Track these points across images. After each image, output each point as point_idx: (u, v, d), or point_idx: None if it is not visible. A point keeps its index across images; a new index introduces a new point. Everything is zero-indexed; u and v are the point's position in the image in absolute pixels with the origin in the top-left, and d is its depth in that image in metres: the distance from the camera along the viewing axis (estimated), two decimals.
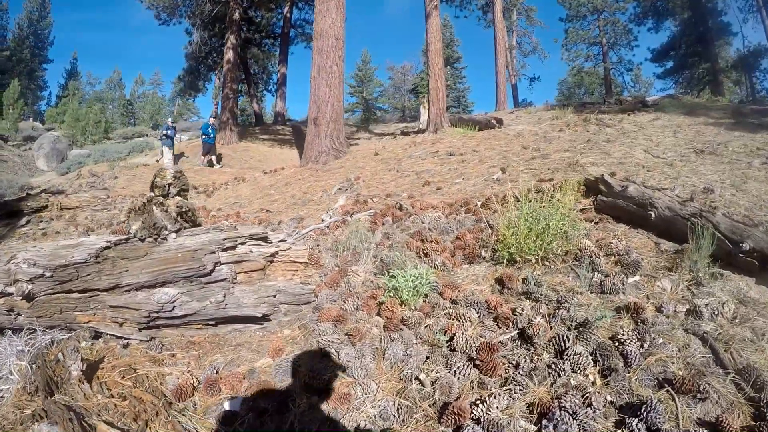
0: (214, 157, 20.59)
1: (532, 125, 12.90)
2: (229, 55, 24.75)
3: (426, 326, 3.14)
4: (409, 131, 24.08)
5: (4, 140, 39.24)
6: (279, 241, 4.06)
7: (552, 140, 9.53)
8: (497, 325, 3.08)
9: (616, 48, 47.21)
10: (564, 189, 5.50)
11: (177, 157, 21.54)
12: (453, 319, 3.14)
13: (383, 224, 5.37)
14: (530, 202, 4.12)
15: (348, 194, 7.77)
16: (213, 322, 3.64)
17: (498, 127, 16.46)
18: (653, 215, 4.13)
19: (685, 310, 3.01)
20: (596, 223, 4.58)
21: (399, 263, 3.89)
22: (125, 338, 3.37)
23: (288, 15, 34.04)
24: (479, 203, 5.45)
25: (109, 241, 3.52)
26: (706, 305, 2.92)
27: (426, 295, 3.50)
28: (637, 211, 4.35)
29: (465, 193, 6.41)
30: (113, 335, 3.38)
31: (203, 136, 20.56)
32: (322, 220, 6.07)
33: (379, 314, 3.41)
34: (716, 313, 2.89)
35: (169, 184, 6.25)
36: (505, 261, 3.90)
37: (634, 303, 2.99)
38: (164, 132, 20.44)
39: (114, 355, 3.20)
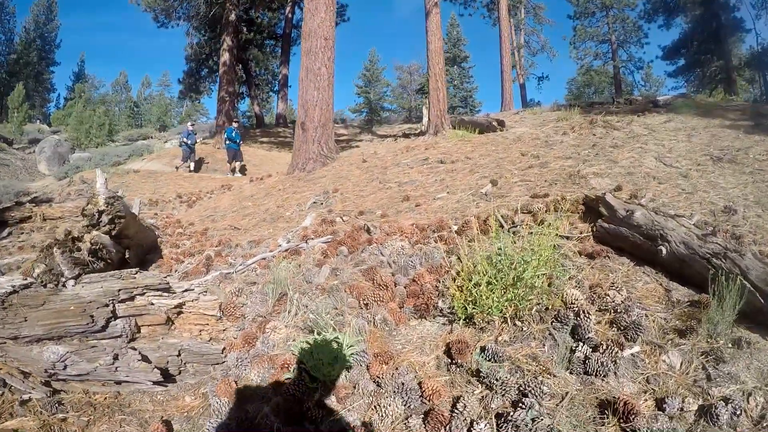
0: (238, 164, 19.32)
1: (535, 128, 12.06)
2: (225, 57, 24.13)
3: (334, 419, 2.36)
4: (411, 133, 23.28)
5: (8, 143, 39.08)
6: (184, 291, 3.31)
7: (554, 145, 8.71)
8: (426, 427, 2.26)
9: (625, 46, 45.89)
10: (559, 208, 4.74)
11: (198, 164, 20.55)
12: (372, 411, 2.36)
13: (337, 255, 4.61)
14: (511, 229, 3.30)
15: (321, 209, 7.04)
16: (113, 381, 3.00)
17: (499, 129, 15.62)
18: (664, 251, 3.30)
19: (696, 407, 2.17)
20: (593, 257, 3.74)
21: (324, 322, 3.09)
22: (27, 392, 2.92)
23: (290, 15, 33.43)
24: (455, 228, 4.66)
25: (14, 286, 3.01)
26: (726, 401, 2.10)
27: (349, 368, 2.70)
28: (644, 244, 3.52)
29: (445, 212, 5.61)
30: (17, 388, 2.93)
31: (227, 142, 19.26)
32: (279, 245, 5.32)
33: None
34: (738, 412, 2.07)
35: (101, 212, 5.48)
36: (461, 319, 3.04)
37: (625, 403, 2.12)
38: (183, 139, 19.65)
39: (10, 412, 2.79)
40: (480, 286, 2.93)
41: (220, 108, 24.40)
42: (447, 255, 3.96)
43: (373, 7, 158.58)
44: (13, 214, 14.75)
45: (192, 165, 19.80)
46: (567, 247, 3.79)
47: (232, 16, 24.16)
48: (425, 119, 22.20)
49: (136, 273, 3.24)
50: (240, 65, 33.69)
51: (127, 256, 5.47)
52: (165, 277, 3.32)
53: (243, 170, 19.52)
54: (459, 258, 3.58)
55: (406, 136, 23.17)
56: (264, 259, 5.03)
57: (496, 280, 2.94)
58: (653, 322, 2.85)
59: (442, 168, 7.88)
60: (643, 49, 46.38)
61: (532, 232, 3.33)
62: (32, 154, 36.63)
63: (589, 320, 2.76)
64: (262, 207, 8.78)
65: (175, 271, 5.58)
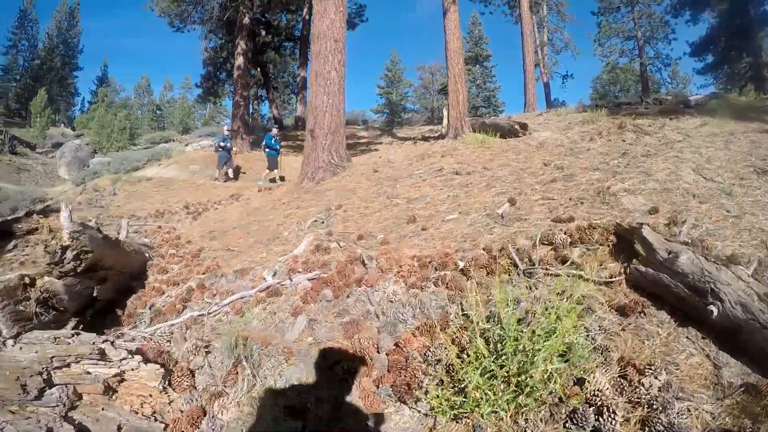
0: (276, 171, 18.09)
1: (560, 132, 11.35)
2: (240, 60, 23.74)
3: None
4: (431, 136, 22.68)
5: (31, 148, 39.59)
6: (122, 359, 2.77)
7: (580, 153, 8.02)
8: None
9: (652, 42, 44.31)
10: (586, 239, 4.09)
11: (236, 171, 19.82)
12: None
13: (318, 301, 4.05)
14: (527, 270, 2.67)
15: (320, 230, 6.49)
16: None
17: (522, 133, 14.89)
18: (715, 312, 2.61)
19: None
20: (625, 313, 3.02)
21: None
22: None
23: (307, 17, 32.96)
24: (462, 264, 4.00)
25: None
26: None
27: None
28: (690, 298, 2.84)
29: (453, 238, 5.00)
30: None
31: (266, 149, 18.09)
32: (263, 279, 4.78)
33: None
34: None
35: (65, 248, 4.97)
36: (449, 412, 2.37)
37: None
38: (219, 143, 18.65)
39: None
40: (471, 373, 2.29)
41: (235, 113, 24.02)
42: (448, 302, 3.35)
43: (394, 6, 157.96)
44: (20, 226, 14.62)
45: (231, 172, 18.86)
46: (593, 296, 3.15)
47: (246, 20, 23.76)
48: (445, 121, 21.61)
49: (72, 336, 2.72)
50: (258, 68, 33.41)
51: (95, 293, 4.94)
52: (103, 342, 2.77)
53: (282, 178, 18.32)
54: (462, 310, 2.97)
55: (425, 139, 22.57)
56: (242, 298, 4.53)
57: (495, 367, 2.30)
58: (697, 418, 2.20)
59: (457, 181, 7.25)
60: (670, 45, 44.99)
61: (550, 273, 2.68)
62: (54, 158, 37.03)
63: (614, 421, 2.11)
64: (264, 224, 8.27)
65: (150, 306, 5.10)
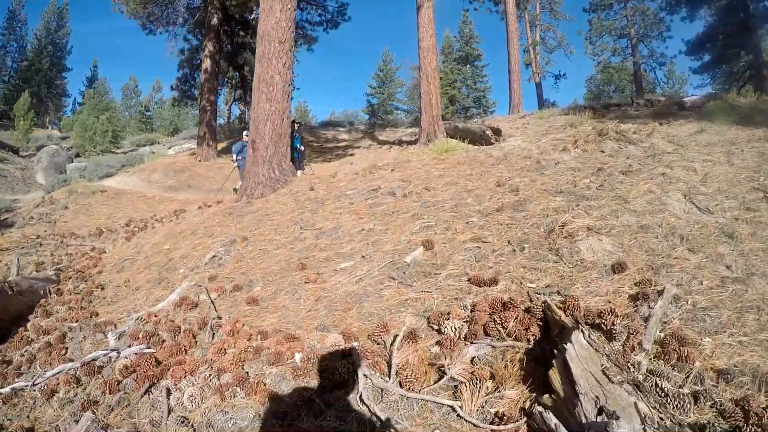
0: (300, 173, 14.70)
1: (533, 139, 9.97)
2: (207, 63, 22.29)
3: None
4: (409, 140, 21.39)
5: (15, 152, 38.30)
6: None
7: (546, 168, 6.65)
8: None
9: (646, 40, 42.51)
10: (498, 320, 2.75)
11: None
12: None
13: (118, 392, 3.11)
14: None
15: (207, 272, 5.32)
16: None
17: (494, 139, 13.57)
18: None
19: None
20: None
21: None
22: None
23: None
24: (299, 360, 2.72)
25: None
26: None
27: None
28: None
29: (325, 306, 3.73)
30: None
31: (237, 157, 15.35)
32: (109, 341, 3.57)
33: None
34: None
35: None
36: None
37: None
38: (236, 157, 15.49)
39: None
40: None
41: (201, 118, 22.62)
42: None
43: (388, 4, 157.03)
44: None
45: (299, 173, 14.83)
46: None
47: (214, 20, 22.31)
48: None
49: None
50: (236, 70, 32.09)
51: None
52: None
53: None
54: None
55: (401, 143, 21.27)
56: (59, 373, 3.53)
57: None
58: None
59: (385, 206, 5.87)
60: (665, 43, 42.77)
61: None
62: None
63: None
64: (172, 253, 6.95)
65: None
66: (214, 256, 5.74)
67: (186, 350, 3.46)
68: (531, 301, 3.11)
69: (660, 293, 2.93)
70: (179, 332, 3.81)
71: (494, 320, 2.79)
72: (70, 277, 7.53)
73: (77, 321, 5.18)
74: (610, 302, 3.05)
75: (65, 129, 50.63)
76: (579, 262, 3.61)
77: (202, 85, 23.01)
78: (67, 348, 4.47)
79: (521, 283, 3.41)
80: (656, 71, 45.66)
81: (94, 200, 16.64)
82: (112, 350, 3.68)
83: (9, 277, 7.09)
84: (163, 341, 3.75)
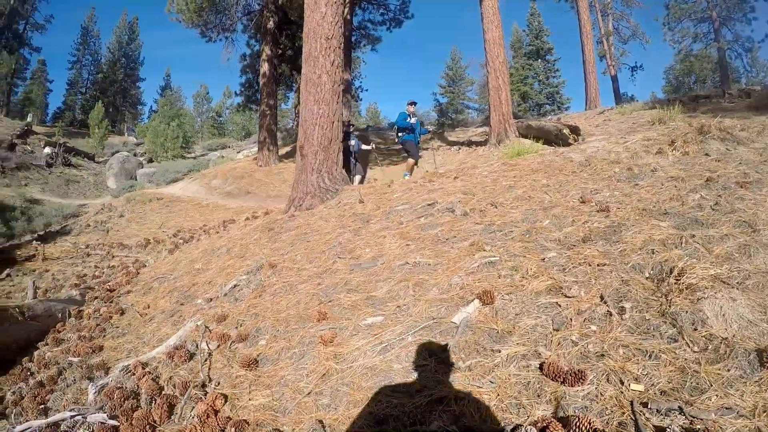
0: (411, 161, 13.17)
1: (618, 139, 8.65)
2: (265, 68, 22.06)
3: None
4: (479, 141, 20.30)
5: (90, 158, 40.21)
6: None
7: (641, 177, 5.46)
8: None
9: (729, 23, 39.00)
10: None
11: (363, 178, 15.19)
12: None
13: None
14: None
15: (222, 306, 4.55)
16: None
17: (572, 139, 12.31)
18: None
19: None
20: None
21: None
22: None
23: (348, 16, 31.12)
24: None
25: None
26: None
27: None
28: None
29: (331, 391, 2.73)
30: None
31: (401, 133, 12.97)
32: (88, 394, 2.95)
33: None
34: None
35: None
36: None
37: None
38: (353, 147, 13.50)
39: None
40: None
41: (262, 122, 22.42)
42: None
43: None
44: (20, 252, 13.67)
45: (357, 178, 13.77)
46: None
47: (270, 24, 22.03)
48: None
49: None
50: (298, 74, 31.94)
51: None
52: None
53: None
54: None
55: (470, 144, 20.23)
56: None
57: None
58: None
59: (439, 228, 4.87)
60: (750, 26, 39.03)
61: None
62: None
63: None
64: (202, 274, 6.30)
65: None
66: (235, 286, 5.01)
67: (154, 428, 2.72)
68: (637, 424, 2.02)
69: None
70: (157, 397, 3.07)
71: None
72: (96, 297, 7.17)
73: (79, 355, 4.78)
74: None
75: (140, 135, 53.13)
76: (707, 341, 2.44)
77: (261, 89, 22.85)
78: (53, 390, 4.06)
79: (621, 382, 2.28)
80: (742, 58, 41.88)
81: (149, 208, 16.66)
82: (79, 414, 3.04)
83: (26, 299, 6.77)
84: (136, 408, 3.05)
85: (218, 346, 3.78)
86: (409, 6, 32.88)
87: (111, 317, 6.00)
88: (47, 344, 5.63)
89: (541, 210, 4.87)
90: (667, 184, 5.07)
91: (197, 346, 3.84)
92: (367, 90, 55.97)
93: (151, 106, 74.30)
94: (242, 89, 31.48)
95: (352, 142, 13.63)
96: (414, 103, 13.08)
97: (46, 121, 60.13)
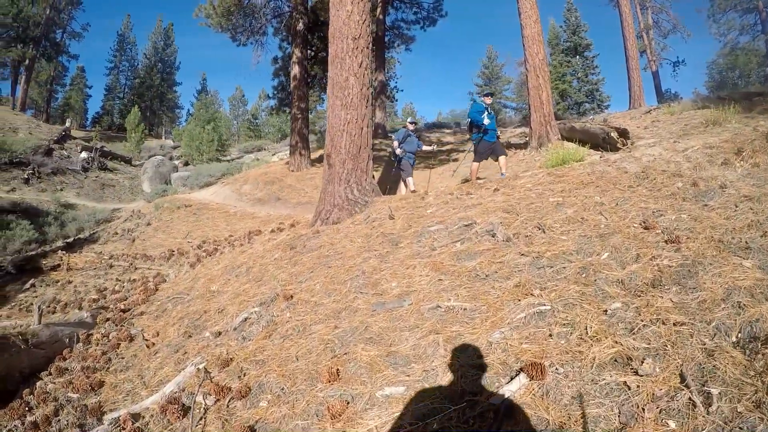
0: (503, 159, 10.67)
1: (673, 144, 7.79)
2: (295, 70, 21.56)
3: None
4: (518, 143, 19.41)
5: (127, 161, 40.83)
6: None
7: (709, 196, 4.66)
8: None
9: None
10: None
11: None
12: None
13: None
14: None
15: (228, 346, 3.96)
16: None
17: (620, 142, 11.39)
18: None
19: None
20: None
21: None
22: None
23: (381, 17, 30.62)
24: None
25: None
26: None
27: None
28: None
29: None
30: None
31: (476, 131, 10.66)
32: None
33: None
34: None
35: None
36: None
37: None
38: (399, 147, 11.64)
39: None
40: None
41: (293, 126, 21.95)
42: None
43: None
44: (46, 262, 13.56)
45: (410, 180, 11.63)
46: None
47: (300, 26, 21.52)
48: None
49: None
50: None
51: None
52: None
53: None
54: None
55: (509, 146, 19.36)
56: None
57: None
58: None
59: (479, 259, 4.13)
60: None
61: None
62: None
63: None
64: (216, 299, 5.77)
65: None
66: (246, 319, 4.45)
67: None
68: None
69: None
70: None
71: None
72: (108, 319, 6.78)
73: (78, 392, 4.50)
74: None
75: (176, 139, 53.89)
76: None
77: (291, 92, 22.41)
78: None
79: None
80: None
81: (176, 216, 16.37)
82: None
83: (31, 324, 6.38)
84: None
85: (216, 402, 3.25)
86: (443, 4, 32.23)
87: (119, 344, 5.61)
88: (50, 374, 5.30)
89: (598, 238, 4.12)
90: (741, 206, 4.28)
91: (194, 400, 3.33)
92: (402, 90, 55.25)
93: (189, 110, 75.56)
94: (275, 92, 31.23)
95: (411, 145, 11.95)
96: (492, 95, 11.47)
97: (85, 125, 61.69)
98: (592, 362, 2.54)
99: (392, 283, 4.18)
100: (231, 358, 3.79)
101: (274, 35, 27.22)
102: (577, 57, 48.61)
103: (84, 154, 33.78)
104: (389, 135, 30.74)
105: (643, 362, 2.44)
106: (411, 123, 12.12)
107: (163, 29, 68.17)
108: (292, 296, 4.57)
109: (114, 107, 66.82)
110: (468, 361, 2.82)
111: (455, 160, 18.84)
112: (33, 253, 13.67)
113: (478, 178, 10.64)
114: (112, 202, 27.36)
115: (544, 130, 14.59)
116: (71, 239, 15.77)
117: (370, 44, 9.02)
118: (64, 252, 13.19)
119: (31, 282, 11.37)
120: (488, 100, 10.83)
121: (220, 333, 4.49)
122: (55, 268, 12.66)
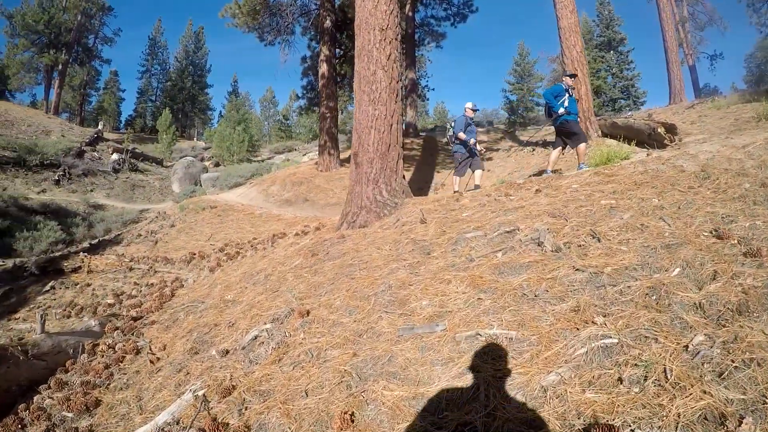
0: (582, 146, 9.08)
1: (728, 139, 7.02)
2: (323, 68, 21.11)
3: None
4: (551, 142, 18.55)
5: (159, 163, 41.27)
6: None
7: None
8: None
9: None
10: None
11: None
12: None
13: None
14: None
15: (234, 369, 3.46)
16: None
17: (667, 139, 10.55)
18: None
19: None
20: None
21: None
22: None
23: (410, 14, 30.02)
24: None
25: None
26: None
27: None
28: None
29: None
30: None
31: (556, 115, 9.34)
32: None
33: None
34: None
35: None
36: None
37: None
38: (453, 136, 10.54)
39: None
40: None
41: (322, 126, 21.49)
42: None
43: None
44: (67, 264, 13.40)
45: (478, 173, 10.47)
46: None
47: (327, 23, 21.07)
48: None
49: None
50: None
51: None
52: None
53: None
54: None
55: (545, 144, 18.58)
56: None
57: None
58: None
59: (524, 275, 3.47)
60: None
61: None
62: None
63: None
64: (229, 310, 5.28)
65: None
66: (256, 337, 3.93)
67: None
68: None
69: None
70: None
71: None
72: (117, 329, 6.40)
73: (73, 411, 4.26)
74: None
75: (208, 140, 54.48)
76: None
77: (320, 91, 21.98)
78: None
79: None
80: None
81: (200, 218, 16.07)
82: None
83: (34, 333, 6.05)
84: None
85: None
86: None
87: (124, 357, 5.27)
88: (50, 387, 5.01)
89: (664, 249, 3.46)
90: None
91: None
92: (434, 89, 54.57)
93: (220, 111, 76.39)
94: (304, 92, 30.96)
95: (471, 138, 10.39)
96: (575, 76, 10.10)
97: (119, 128, 62.84)
98: (676, 422, 1.92)
99: (423, 301, 3.59)
100: (234, 386, 3.28)
101: (302, 34, 26.98)
102: (612, 52, 46.99)
103: (115, 156, 34.09)
104: (420, 134, 30.12)
105: (741, 423, 1.82)
106: (472, 110, 10.49)
107: (194, 33, 69.11)
108: (308, 312, 4.03)
109: (146, 110, 68.02)
110: (515, 413, 2.21)
111: (489, 158, 18.14)
112: (56, 254, 13.55)
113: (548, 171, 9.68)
114: (141, 203, 27.46)
115: (584, 126, 13.79)
116: (96, 240, 15.67)
117: (399, 36, 8.45)
118: (85, 254, 12.99)
119: (51, 284, 11.17)
120: (569, 81, 9.55)
121: (227, 351, 3.99)
122: (76, 270, 12.48)
